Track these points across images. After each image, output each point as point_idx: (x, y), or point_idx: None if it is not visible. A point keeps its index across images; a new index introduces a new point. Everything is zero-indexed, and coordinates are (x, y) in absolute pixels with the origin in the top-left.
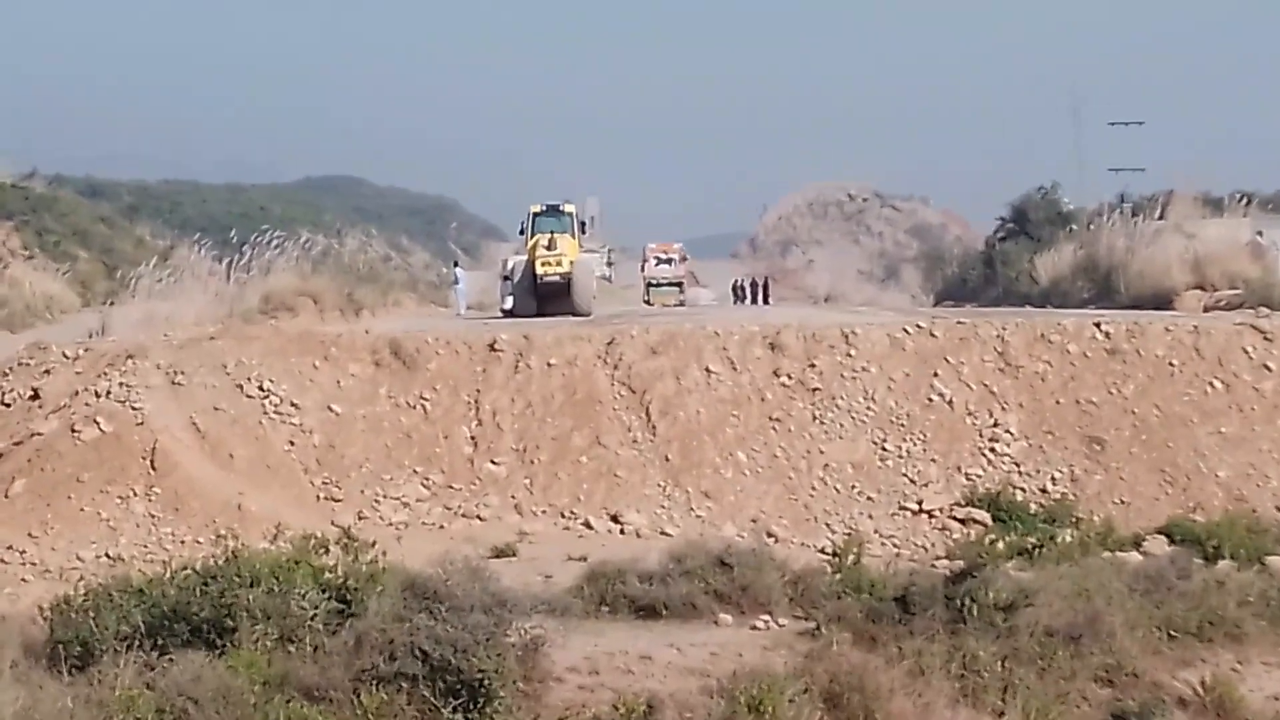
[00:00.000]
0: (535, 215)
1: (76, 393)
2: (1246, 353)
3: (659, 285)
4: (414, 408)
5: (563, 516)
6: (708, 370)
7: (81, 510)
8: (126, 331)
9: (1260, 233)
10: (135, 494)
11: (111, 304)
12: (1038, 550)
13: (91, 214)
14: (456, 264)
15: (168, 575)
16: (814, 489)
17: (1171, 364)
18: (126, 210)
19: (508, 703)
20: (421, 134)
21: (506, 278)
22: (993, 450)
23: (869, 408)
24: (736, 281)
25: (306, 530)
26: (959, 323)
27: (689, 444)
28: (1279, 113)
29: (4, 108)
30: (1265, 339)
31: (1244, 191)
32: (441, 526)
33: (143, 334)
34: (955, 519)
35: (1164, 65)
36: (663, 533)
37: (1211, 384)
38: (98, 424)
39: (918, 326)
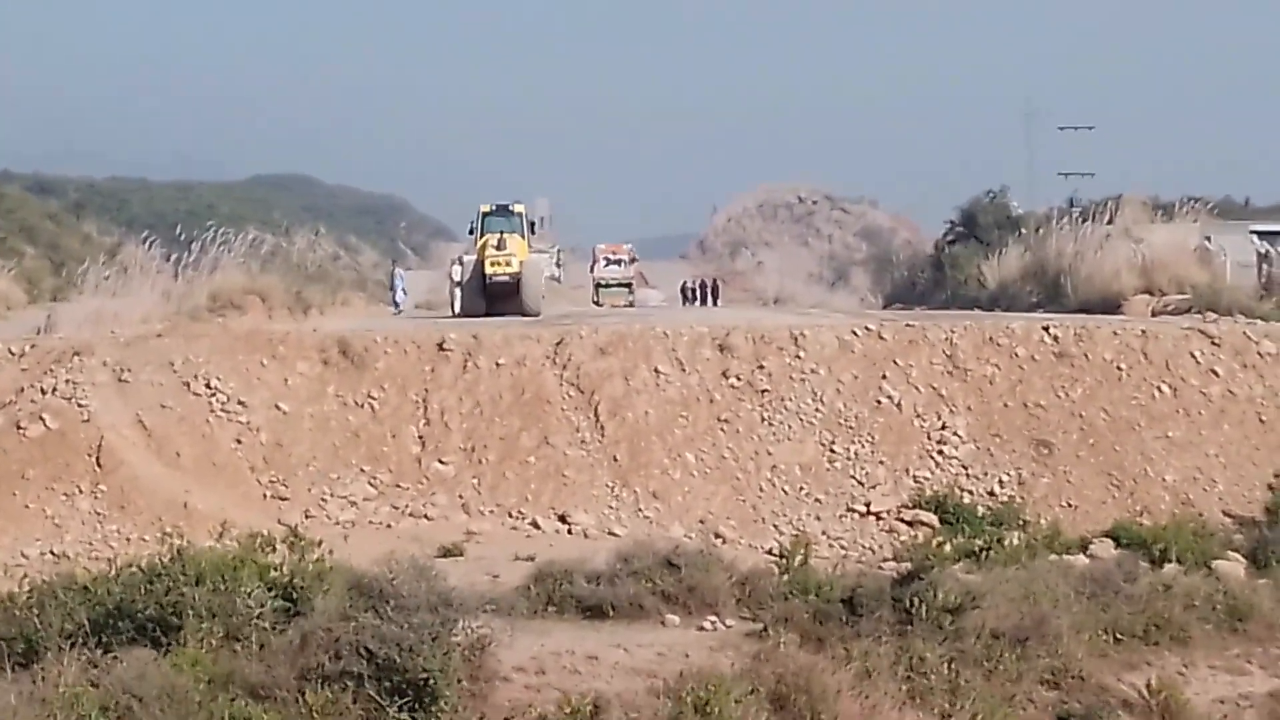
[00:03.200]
0: (485, 215)
1: (22, 389)
2: (1194, 357)
3: (608, 286)
4: (362, 407)
5: (510, 516)
6: (656, 371)
7: (26, 507)
8: (73, 329)
9: (1208, 238)
10: (81, 491)
11: (58, 301)
12: (985, 553)
13: (38, 211)
14: (395, 264)
15: (113, 573)
16: (762, 490)
17: (1119, 368)
18: (73, 207)
19: (453, 702)
20: (372, 133)
21: (456, 279)
22: (940, 453)
23: (817, 409)
24: (686, 283)
25: (253, 529)
26: (908, 325)
27: (637, 444)
28: (1227, 121)
29: None
30: (1212, 344)
31: (1192, 197)
32: (388, 526)
33: (89, 331)
34: (903, 521)
35: (1115, 71)
36: (610, 533)
37: (1159, 388)
38: (43, 421)
39: (866, 329)
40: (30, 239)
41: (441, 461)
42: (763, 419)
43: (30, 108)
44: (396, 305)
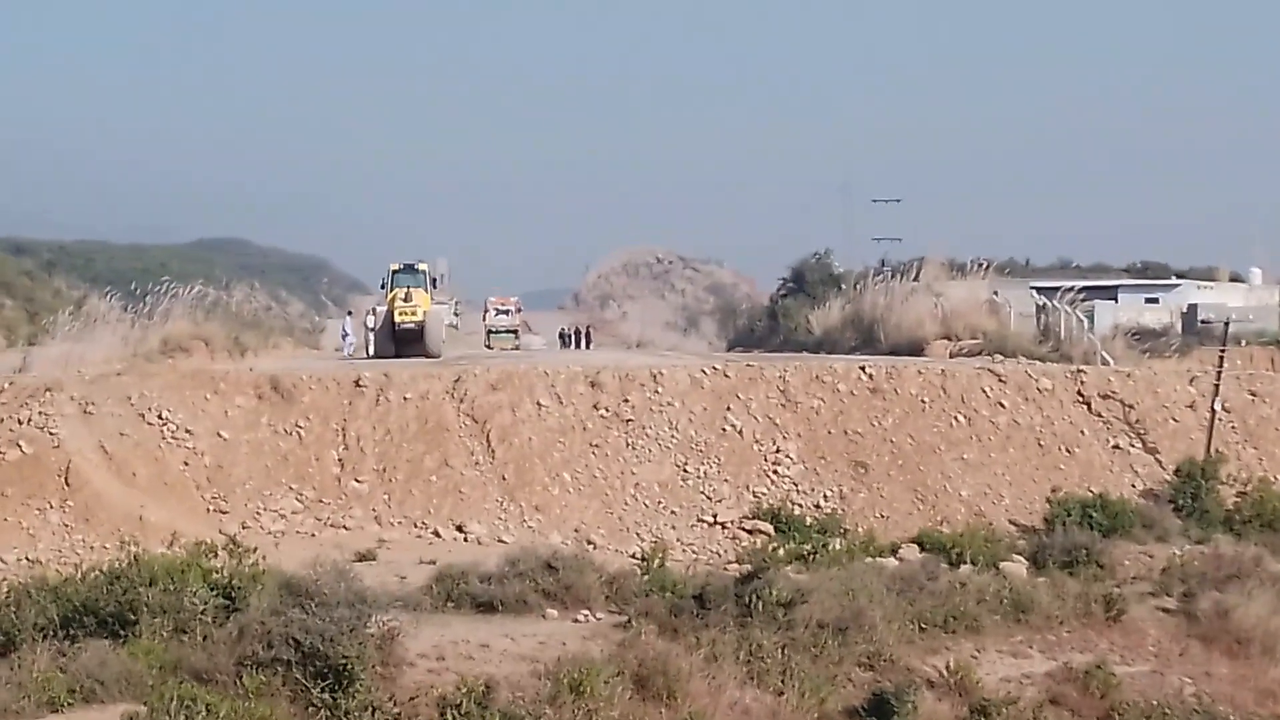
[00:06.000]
0: (394, 272)
1: (1, 420)
2: (985, 392)
3: (498, 332)
4: (290, 434)
5: (416, 527)
6: (538, 404)
7: (4, 520)
8: (45, 368)
9: (996, 292)
10: (51, 506)
11: (33, 345)
12: (812, 556)
13: (16, 268)
14: (350, 314)
15: (79, 576)
16: (627, 504)
17: (923, 401)
18: (46, 265)
19: (367, 684)
20: (298, 202)
21: (370, 327)
22: (775, 472)
23: (673, 436)
24: (563, 329)
25: (198, 538)
26: (748, 365)
27: (522, 466)
28: (1011, 194)
29: None
30: (1000, 381)
31: (983, 258)
32: (313, 535)
33: (59, 371)
34: (744, 530)
35: (918, 153)
36: (500, 540)
37: (956, 418)
38: (20, 447)
39: (714, 368)
40: (8, 293)
41: (357, 480)
42: (627, 444)
43: (7, 180)
44: (347, 348)
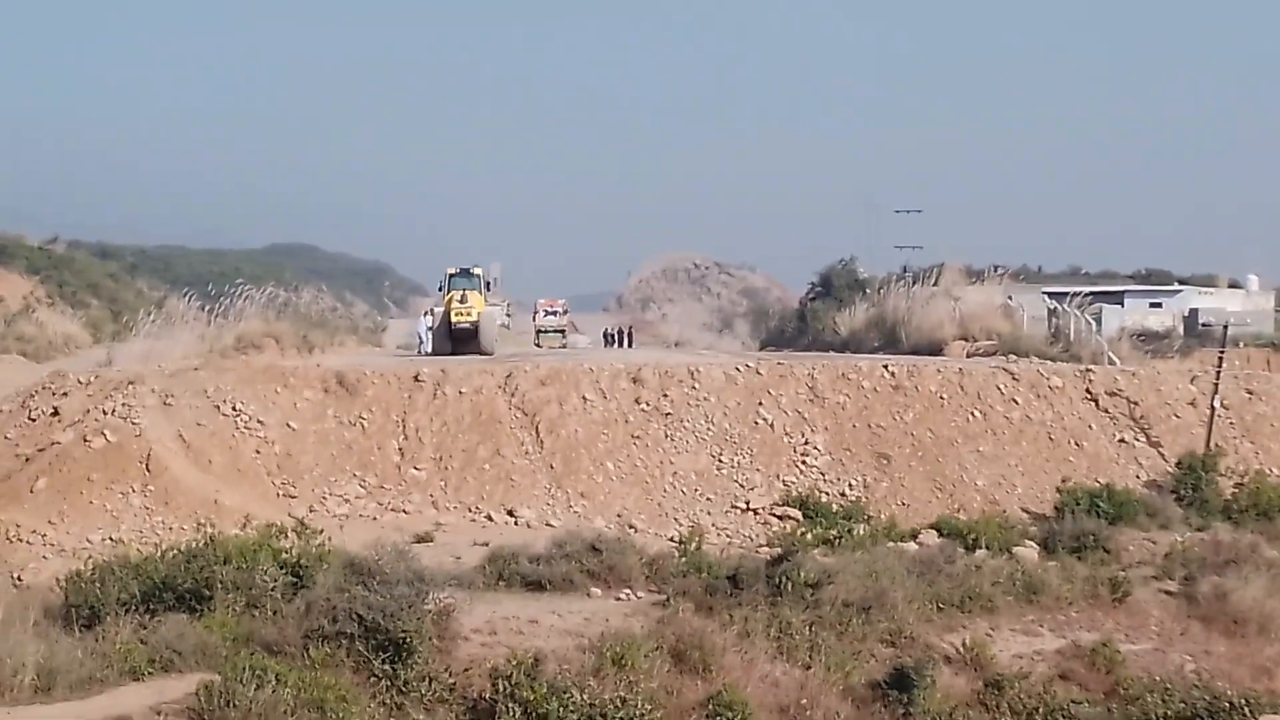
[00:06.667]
0: (451, 276)
1: (88, 411)
2: (999, 390)
3: (547, 332)
4: (354, 425)
5: (470, 511)
6: (584, 398)
7: (91, 503)
8: (128, 363)
9: (1010, 297)
10: (133, 490)
11: (117, 342)
12: (838, 540)
13: (101, 271)
14: (426, 312)
15: (158, 555)
16: (666, 491)
17: (942, 398)
18: (129, 268)
19: (425, 656)
20: (363, 211)
21: (428, 326)
22: (804, 462)
23: (709, 428)
24: (607, 330)
25: (269, 520)
26: (779, 363)
27: (569, 455)
28: (1023, 205)
29: (35, 184)
30: (1013, 379)
31: (998, 265)
32: (375, 518)
33: (141, 365)
34: (774, 515)
35: (938, 166)
36: (548, 524)
37: (972, 413)
38: (105, 435)
39: (747, 366)
40: (95, 293)
41: (416, 468)
42: (666, 435)
43: (96, 190)
44: (420, 344)
